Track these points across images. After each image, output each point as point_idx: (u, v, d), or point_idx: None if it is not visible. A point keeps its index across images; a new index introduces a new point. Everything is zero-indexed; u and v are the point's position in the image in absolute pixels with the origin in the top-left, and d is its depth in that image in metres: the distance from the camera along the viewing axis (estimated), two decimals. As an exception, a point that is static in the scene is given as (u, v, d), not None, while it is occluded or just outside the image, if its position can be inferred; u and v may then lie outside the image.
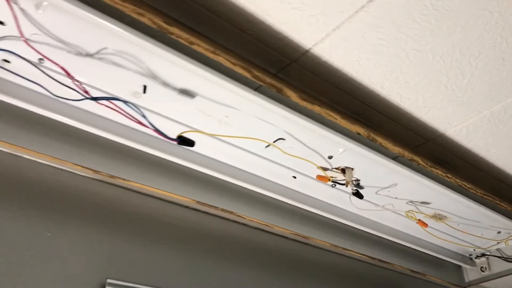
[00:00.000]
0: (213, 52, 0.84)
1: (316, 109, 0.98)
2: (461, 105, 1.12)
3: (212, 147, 1.20)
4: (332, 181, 1.33)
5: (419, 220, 1.50)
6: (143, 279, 1.12)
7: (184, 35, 0.80)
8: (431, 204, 1.53)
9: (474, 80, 1.04)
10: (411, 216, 1.51)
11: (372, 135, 1.07)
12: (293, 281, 1.45)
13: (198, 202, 1.23)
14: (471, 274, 1.97)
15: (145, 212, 1.17)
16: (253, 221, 1.33)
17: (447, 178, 1.24)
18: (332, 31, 0.92)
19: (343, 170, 1.34)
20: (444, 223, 1.64)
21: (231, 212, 1.28)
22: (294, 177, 1.36)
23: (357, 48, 0.96)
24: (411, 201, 1.52)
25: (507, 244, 1.72)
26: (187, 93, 1.03)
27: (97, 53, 0.92)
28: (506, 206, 1.38)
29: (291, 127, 1.15)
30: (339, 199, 1.47)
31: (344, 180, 1.34)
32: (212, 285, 1.22)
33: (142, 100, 1.03)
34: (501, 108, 1.12)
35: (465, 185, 1.27)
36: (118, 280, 1.08)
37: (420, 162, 1.17)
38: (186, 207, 1.25)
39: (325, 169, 1.33)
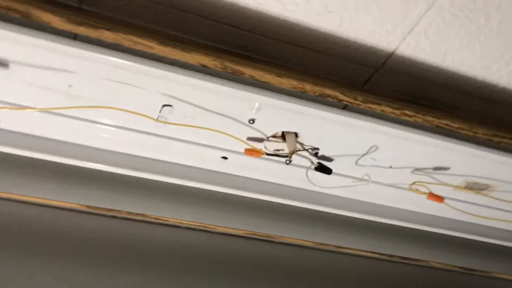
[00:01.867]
0: None
1: (108, 36, 0.65)
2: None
3: (86, 134, 0.92)
4: (269, 155, 0.96)
5: (429, 193, 1.03)
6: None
7: None
8: (451, 169, 1.06)
9: None
10: (416, 190, 1.05)
11: (231, 65, 0.69)
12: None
13: (89, 207, 0.95)
14: None
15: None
16: (181, 222, 1.02)
17: (405, 117, 0.79)
18: None
19: (283, 137, 0.97)
20: (489, 195, 1.14)
21: (144, 215, 0.98)
22: (225, 158, 1.01)
23: None
24: (417, 169, 1.06)
25: None
26: (-7, 61, 0.77)
27: None
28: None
29: (166, 86, 0.83)
30: (308, 180, 1.07)
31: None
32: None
33: None
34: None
35: (448, 125, 0.80)
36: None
37: (350, 100, 0.75)
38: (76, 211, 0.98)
39: (257, 139, 0.97)
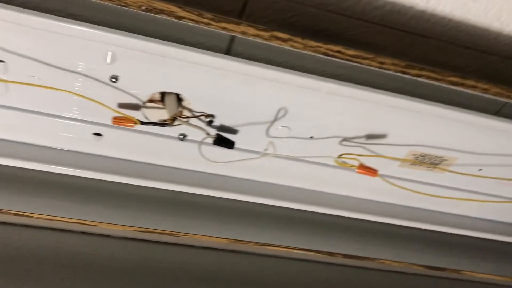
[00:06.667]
0: None
1: None
2: None
3: None
4: (145, 123, 0.75)
5: (359, 165, 0.81)
6: None
7: None
8: (388, 136, 0.84)
9: None
10: (343, 163, 0.83)
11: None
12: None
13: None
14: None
15: None
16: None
17: (277, 42, 0.57)
18: None
19: (162, 99, 0.77)
20: (448, 170, 0.91)
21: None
22: (98, 135, 0.81)
23: None
24: (345, 139, 0.85)
25: None
26: None
27: None
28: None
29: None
30: (207, 160, 0.86)
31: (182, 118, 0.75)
32: None
33: None
34: None
35: (340, 52, 0.58)
36: None
37: (192, 17, 0.53)
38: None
39: (132, 106, 0.77)
